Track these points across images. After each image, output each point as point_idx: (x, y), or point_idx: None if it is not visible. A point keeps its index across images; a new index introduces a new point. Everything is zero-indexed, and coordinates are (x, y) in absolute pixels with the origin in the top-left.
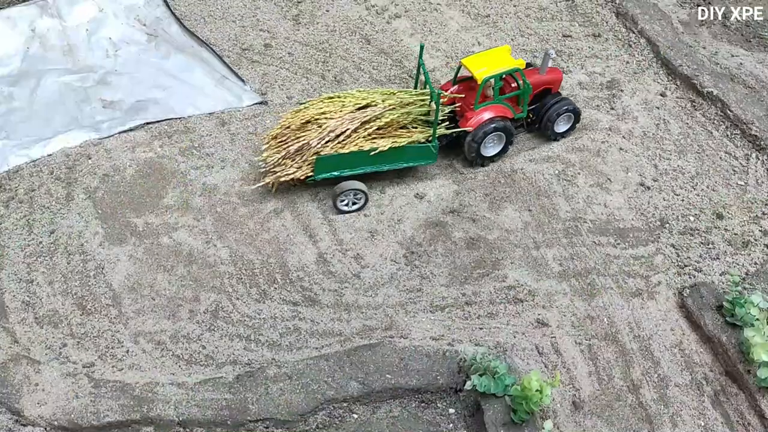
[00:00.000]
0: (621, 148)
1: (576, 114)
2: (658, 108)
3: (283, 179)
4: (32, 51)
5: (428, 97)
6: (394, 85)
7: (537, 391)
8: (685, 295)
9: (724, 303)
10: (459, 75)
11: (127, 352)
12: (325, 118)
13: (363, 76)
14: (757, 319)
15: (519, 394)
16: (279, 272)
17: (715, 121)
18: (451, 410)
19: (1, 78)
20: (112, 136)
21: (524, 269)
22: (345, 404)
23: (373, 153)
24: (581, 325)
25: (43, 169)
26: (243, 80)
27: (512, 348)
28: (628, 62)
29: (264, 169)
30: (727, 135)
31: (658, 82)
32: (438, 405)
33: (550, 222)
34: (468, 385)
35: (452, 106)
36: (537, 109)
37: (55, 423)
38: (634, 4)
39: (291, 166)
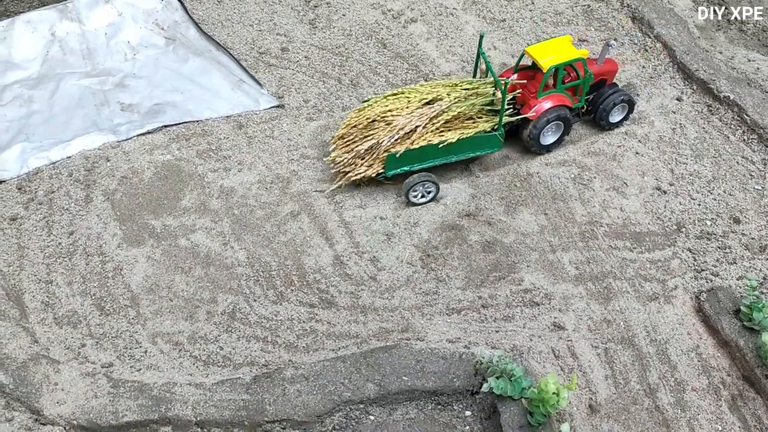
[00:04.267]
0: (637, 153)
1: (631, 104)
2: (674, 112)
3: (354, 178)
4: (52, 54)
5: (491, 86)
6: None
7: (554, 393)
8: (702, 299)
9: (741, 307)
10: (520, 63)
11: (146, 352)
12: (392, 115)
13: (379, 80)
14: None
15: (536, 397)
16: (296, 274)
17: (732, 126)
18: (468, 413)
19: (22, 81)
20: (131, 138)
21: (540, 273)
22: (361, 406)
23: (442, 146)
24: (597, 329)
25: (63, 171)
26: (260, 84)
27: (528, 351)
28: (644, 67)
29: (334, 170)
30: (744, 139)
31: (675, 87)
32: (454, 407)
33: (566, 226)
34: (485, 388)
35: (513, 94)
36: (593, 99)
37: (75, 422)
38: (650, 9)
39: (362, 165)
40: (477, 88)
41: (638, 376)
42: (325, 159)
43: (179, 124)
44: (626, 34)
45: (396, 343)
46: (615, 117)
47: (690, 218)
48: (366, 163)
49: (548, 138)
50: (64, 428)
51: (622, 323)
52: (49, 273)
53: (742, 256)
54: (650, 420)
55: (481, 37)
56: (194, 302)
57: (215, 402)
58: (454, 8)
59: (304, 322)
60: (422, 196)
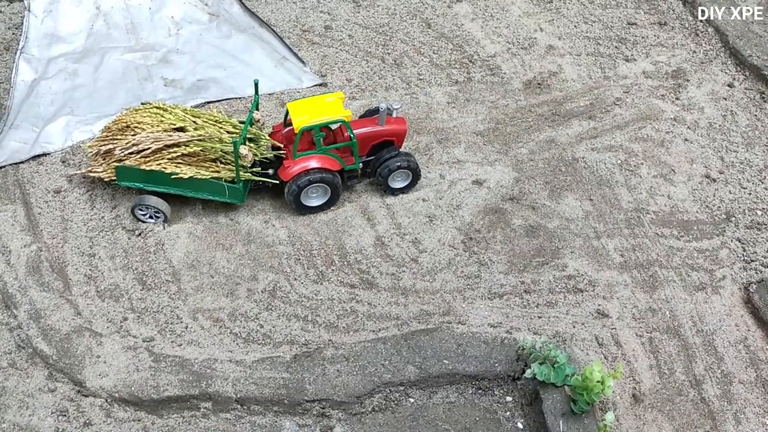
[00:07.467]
0: (686, 139)
1: (413, 171)
2: (725, 99)
3: (92, 175)
4: (96, 28)
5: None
6: (454, 70)
7: (598, 382)
8: (751, 290)
9: None
10: (289, 117)
11: (186, 328)
12: (141, 128)
13: (423, 60)
14: None
15: (580, 385)
16: (337, 254)
17: None
18: (509, 398)
19: (66, 55)
20: None
21: (584, 259)
22: (401, 388)
23: (173, 177)
24: (642, 318)
25: None
26: (303, 61)
27: (571, 338)
28: (694, 51)
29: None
30: None
31: (726, 73)
32: (495, 392)
33: (611, 212)
34: (528, 374)
35: (280, 152)
36: (372, 162)
37: (116, 395)
38: None
39: (100, 164)
40: (232, 134)
41: (684, 367)
42: (84, 145)
43: (222, 100)
44: (676, 18)
45: (437, 326)
46: (396, 183)
47: (740, 207)
48: (103, 165)
49: (313, 200)
50: (106, 400)
51: (667, 313)
52: (91, 246)
53: None
54: (695, 411)
55: (256, 84)
56: (235, 279)
57: (255, 379)
58: None
59: (344, 302)
60: (150, 217)
